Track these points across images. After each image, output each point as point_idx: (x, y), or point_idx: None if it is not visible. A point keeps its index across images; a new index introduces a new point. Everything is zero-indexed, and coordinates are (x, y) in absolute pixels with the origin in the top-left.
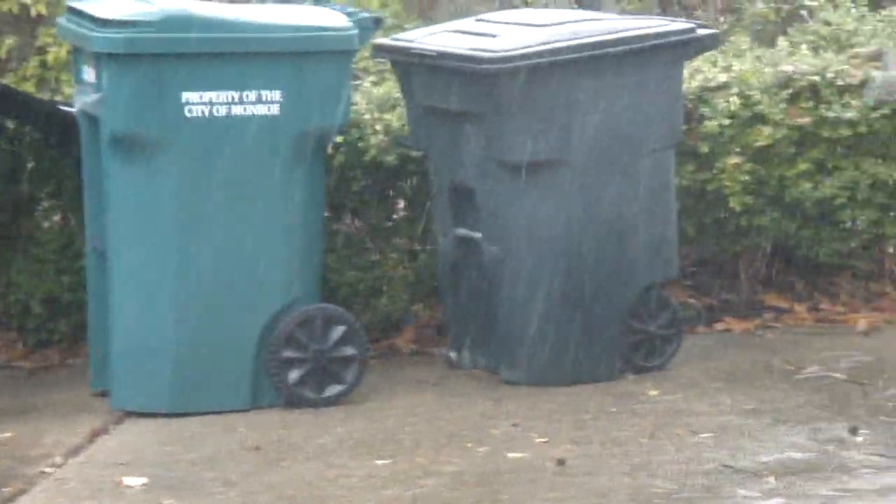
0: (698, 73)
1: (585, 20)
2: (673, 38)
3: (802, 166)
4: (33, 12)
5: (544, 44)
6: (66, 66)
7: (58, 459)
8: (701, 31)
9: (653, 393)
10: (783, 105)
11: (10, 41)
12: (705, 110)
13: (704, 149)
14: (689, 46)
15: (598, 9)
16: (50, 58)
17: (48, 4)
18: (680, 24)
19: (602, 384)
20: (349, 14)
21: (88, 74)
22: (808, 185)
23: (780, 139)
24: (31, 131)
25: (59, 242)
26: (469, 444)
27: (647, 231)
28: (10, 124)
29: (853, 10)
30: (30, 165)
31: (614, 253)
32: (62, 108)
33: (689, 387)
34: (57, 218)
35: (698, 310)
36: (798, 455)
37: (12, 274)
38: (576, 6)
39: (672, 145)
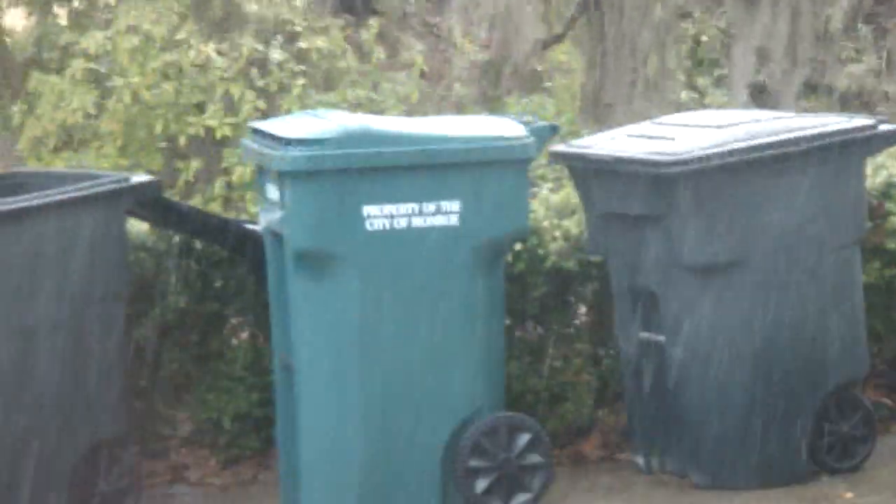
0: (882, 169)
1: (762, 120)
2: (854, 135)
3: None
4: (218, 135)
5: (722, 145)
6: (250, 185)
7: None
8: (882, 127)
9: (848, 495)
10: None
11: (196, 164)
12: (890, 206)
13: (892, 245)
14: (871, 143)
15: (775, 108)
16: (235, 178)
17: (232, 127)
18: (861, 121)
19: (795, 487)
20: (525, 123)
21: (272, 193)
22: None
23: None
24: (219, 250)
25: (247, 359)
26: None
27: (836, 330)
28: (199, 244)
29: None
30: (218, 284)
31: (802, 353)
32: (248, 226)
33: (885, 488)
34: (245, 335)
35: (892, 408)
36: None
37: (203, 391)
38: (753, 107)
39: (857, 242)
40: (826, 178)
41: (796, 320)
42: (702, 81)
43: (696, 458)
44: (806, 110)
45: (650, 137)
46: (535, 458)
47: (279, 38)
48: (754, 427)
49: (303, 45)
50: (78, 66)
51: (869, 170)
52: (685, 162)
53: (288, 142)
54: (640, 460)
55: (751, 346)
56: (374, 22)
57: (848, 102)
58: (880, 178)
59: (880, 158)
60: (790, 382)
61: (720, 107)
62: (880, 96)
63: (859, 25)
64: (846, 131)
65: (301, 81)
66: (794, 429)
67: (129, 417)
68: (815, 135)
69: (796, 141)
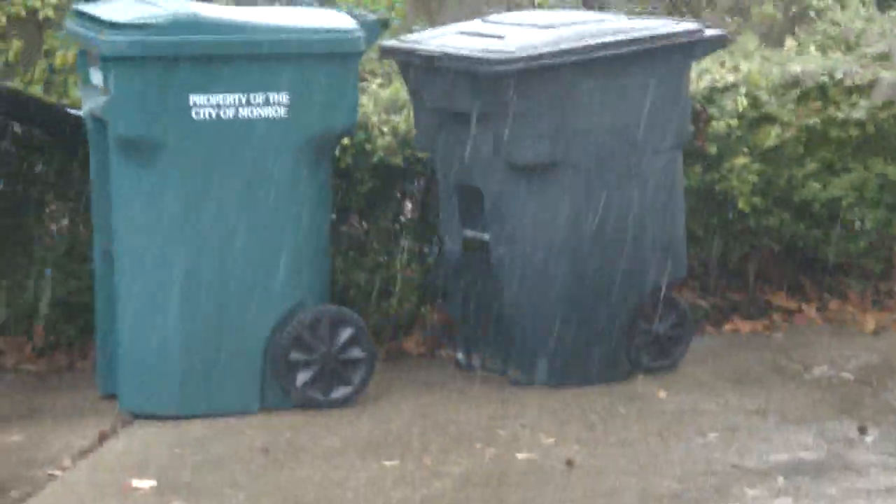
0: (706, 73)
1: (592, 21)
2: (680, 39)
3: (811, 167)
4: (41, 16)
5: (551, 45)
6: (73, 68)
7: (66, 462)
8: (708, 32)
9: (661, 394)
10: (791, 105)
11: (17, 44)
12: (713, 111)
13: (712, 150)
14: (696, 47)
15: (604, 9)
16: (57, 61)
17: (55, 8)
18: (687, 25)
19: (610, 385)
20: (356, 16)
21: (96, 77)
22: (816, 186)
23: (788, 140)
24: (39, 134)
25: (66, 245)
26: (477, 446)
27: (656, 232)
28: (18, 127)
29: (861, 11)
30: (38, 168)
31: (622, 254)
32: (70, 110)
33: (697, 387)
34: (65, 221)
35: (706, 310)
36: (806, 455)
37: (20, 277)
38: (583, 8)
39: (679, 146)
40: (652, 80)
41: (616, 221)
42: None
43: (516, 356)
44: (634, 13)
45: (480, 35)
46: (356, 353)
47: None
48: (572, 326)
49: None
50: None
51: (693, 74)
52: (513, 61)
53: (114, 26)
54: (461, 357)
55: (570, 246)
56: None
57: (675, 7)
58: (704, 83)
59: (704, 63)
60: (608, 283)
61: (551, 6)
62: (706, 2)
63: None
64: (673, 35)
65: None
66: (612, 328)
67: None
68: (643, 37)
69: (624, 43)
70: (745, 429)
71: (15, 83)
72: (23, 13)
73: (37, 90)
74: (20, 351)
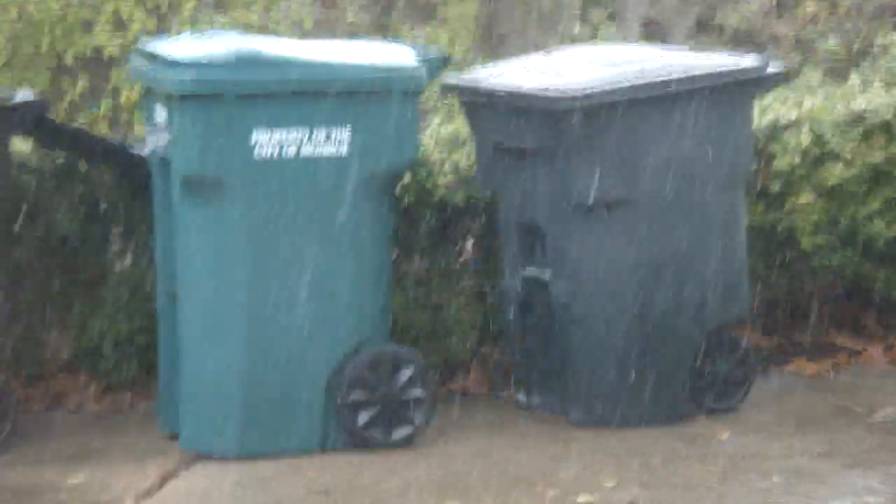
0: (769, 109)
1: (655, 57)
2: (744, 75)
3: (875, 205)
4: (106, 54)
5: (614, 82)
6: (138, 106)
7: (128, 503)
8: (771, 67)
9: (723, 435)
10: (855, 142)
11: (82, 83)
12: (776, 148)
13: (775, 187)
14: (759, 83)
15: (667, 44)
16: (122, 99)
17: (121, 46)
18: (751, 61)
19: (672, 426)
20: (417, 52)
21: (160, 115)
22: (880, 224)
23: (851, 177)
24: (103, 172)
25: (130, 284)
26: (538, 487)
27: (718, 271)
28: (83, 166)
29: None
30: (102, 207)
31: (684, 293)
32: (133, 149)
33: (760, 429)
34: (129, 260)
35: (769, 351)
36: (872, 499)
37: (84, 316)
38: (645, 42)
39: (742, 183)
40: (714, 116)
41: (680, 259)
42: (596, 15)
43: (576, 396)
44: (696, 47)
45: (543, 71)
46: (417, 392)
47: None
48: (634, 366)
49: None
50: None
51: (756, 110)
52: (577, 98)
53: (178, 63)
54: (521, 397)
55: (634, 285)
56: None
57: (738, 41)
58: (767, 120)
59: (767, 99)
60: (671, 322)
61: (611, 38)
62: (769, 36)
63: None
64: (736, 71)
65: (192, 2)
66: (674, 368)
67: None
68: (706, 74)
69: (687, 80)
70: (808, 472)
71: (80, 121)
72: (88, 52)
73: (102, 128)
74: (83, 391)
